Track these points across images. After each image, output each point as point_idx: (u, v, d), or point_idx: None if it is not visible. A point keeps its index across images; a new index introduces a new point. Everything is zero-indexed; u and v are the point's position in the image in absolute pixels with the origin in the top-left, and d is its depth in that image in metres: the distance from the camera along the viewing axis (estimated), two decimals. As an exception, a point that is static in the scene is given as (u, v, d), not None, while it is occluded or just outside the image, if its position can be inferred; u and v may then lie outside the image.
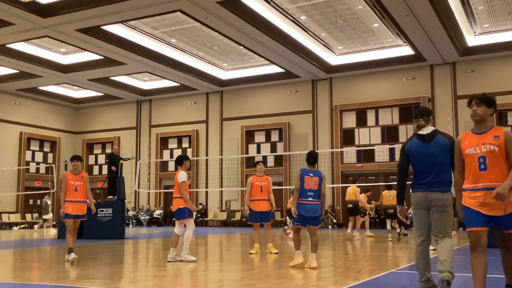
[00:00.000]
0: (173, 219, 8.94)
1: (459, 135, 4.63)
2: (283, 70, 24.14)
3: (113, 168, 16.13)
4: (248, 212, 9.88)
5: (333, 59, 23.31)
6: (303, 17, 18.92)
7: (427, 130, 4.99)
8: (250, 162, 26.27)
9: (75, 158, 8.74)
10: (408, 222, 19.45)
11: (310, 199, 7.43)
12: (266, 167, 10.23)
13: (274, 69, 24.23)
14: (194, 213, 9.20)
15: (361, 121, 24.45)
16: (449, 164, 4.82)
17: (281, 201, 24.70)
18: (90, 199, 8.70)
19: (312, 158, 7.83)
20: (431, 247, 6.06)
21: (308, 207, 7.39)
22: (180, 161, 8.69)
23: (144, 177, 27.17)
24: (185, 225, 8.64)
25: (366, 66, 23.32)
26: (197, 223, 26.84)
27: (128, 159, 18.12)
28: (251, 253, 9.74)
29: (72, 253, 8.21)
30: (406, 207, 5.26)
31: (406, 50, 21.67)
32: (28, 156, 28.71)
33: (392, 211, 14.19)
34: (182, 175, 8.54)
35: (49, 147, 30.22)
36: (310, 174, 7.61)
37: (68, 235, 8.46)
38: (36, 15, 17.48)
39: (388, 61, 22.75)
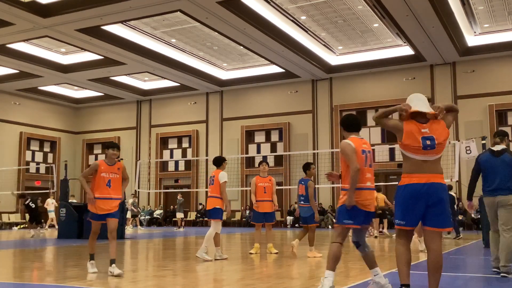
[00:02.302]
0: (205, 218, 9.22)
1: None
2: (283, 70, 24.14)
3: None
4: (256, 207, 9.96)
5: (333, 59, 23.31)
6: (303, 17, 18.92)
7: (499, 147, 6.46)
8: (250, 162, 26.28)
9: (115, 146, 7.02)
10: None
11: (302, 202, 9.26)
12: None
13: (274, 69, 24.23)
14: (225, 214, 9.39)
15: (361, 121, 24.39)
16: (510, 175, 6.25)
17: (281, 201, 24.70)
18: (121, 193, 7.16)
19: (303, 167, 9.51)
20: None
21: (301, 209, 9.29)
22: (220, 162, 9.03)
23: (144, 177, 27.16)
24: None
25: (366, 66, 23.32)
26: (197, 223, 26.86)
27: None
28: (251, 253, 9.74)
29: (93, 261, 7.00)
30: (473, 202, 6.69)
31: (406, 50, 21.66)
32: (28, 156, 28.71)
33: (380, 212, 16.05)
34: (224, 175, 8.79)
35: (49, 147, 30.22)
36: (302, 182, 9.36)
37: (92, 239, 7.03)
38: (36, 15, 17.48)
39: (388, 61, 22.74)
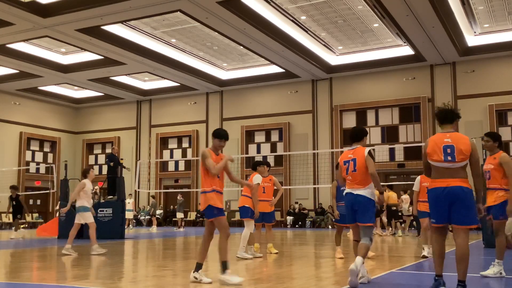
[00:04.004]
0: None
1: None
2: (283, 70, 24.15)
3: (111, 164, 16.18)
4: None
5: (333, 59, 23.31)
6: (303, 17, 18.92)
7: None
8: (250, 162, 26.26)
9: (227, 137, 6.18)
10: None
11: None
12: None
13: (274, 69, 24.23)
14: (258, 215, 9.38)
15: (361, 121, 24.43)
16: None
17: (281, 201, 24.68)
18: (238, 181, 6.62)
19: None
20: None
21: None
22: (255, 166, 9.48)
23: (144, 177, 27.16)
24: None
25: (366, 66, 23.32)
26: (197, 223, 26.85)
27: (126, 167, 17.44)
28: (251, 253, 9.73)
29: (201, 272, 5.92)
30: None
31: (406, 50, 21.66)
32: (28, 156, 28.71)
33: (395, 208, 16.88)
34: (257, 178, 9.18)
35: (49, 147, 30.22)
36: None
37: (207, 244, 6.06)
38: (36, 15, 17.48)
39: (388, 61, 22.74)
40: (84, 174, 10.48)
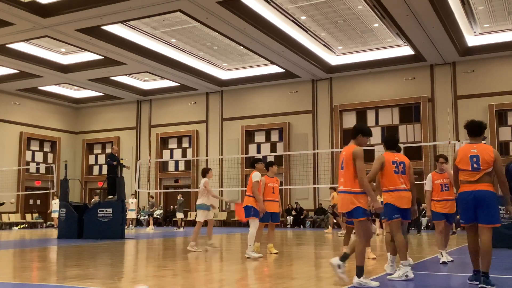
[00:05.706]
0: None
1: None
2: (283, 70, 24.14)
3: (115, 162, 16.16)
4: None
5: (333, 59, 23.31)
6: (303, 17, 18.92)
7: None
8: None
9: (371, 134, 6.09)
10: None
11: None
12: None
13: (274, 69, 24.23)
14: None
15: (361, 121, 24.38)
16: None
17: (281, 201, 24.65)
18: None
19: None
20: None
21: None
22: (253, 164, 9.55)
23: (144, 177, 27.17)
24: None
25: (366, 66, 23.32)
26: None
27: (125, 166, 17.35)
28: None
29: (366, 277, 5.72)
30: None
31: (406, 50, 21.66)
32: (28, 156, 28.71)
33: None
34: (256, 175, 9.19)
35: (49, 147, 30.22)
36: None
37: (366, 242, 5.88)
38: (36, 15, 17.48)
39: (388, 61, 22.74)
40: (204, 173, 10.97)
